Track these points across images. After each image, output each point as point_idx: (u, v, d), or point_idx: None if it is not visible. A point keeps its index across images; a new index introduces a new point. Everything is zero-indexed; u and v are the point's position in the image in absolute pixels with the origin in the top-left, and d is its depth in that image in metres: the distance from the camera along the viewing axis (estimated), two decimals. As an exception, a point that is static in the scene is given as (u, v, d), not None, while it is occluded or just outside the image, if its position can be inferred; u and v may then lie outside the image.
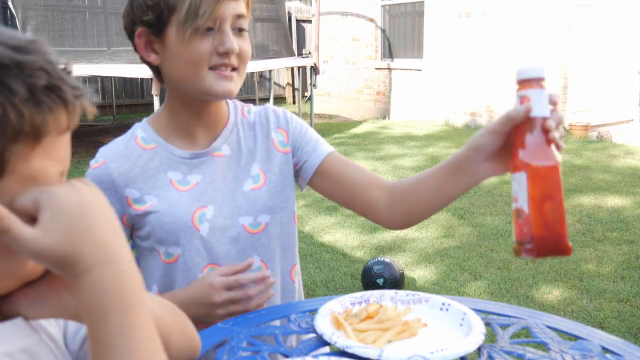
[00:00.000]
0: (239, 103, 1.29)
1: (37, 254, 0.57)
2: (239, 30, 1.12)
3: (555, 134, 0.90)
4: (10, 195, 0.58)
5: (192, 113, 1.18)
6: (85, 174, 1.16)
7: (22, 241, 0.57)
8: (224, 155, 1.22)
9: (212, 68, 1.10)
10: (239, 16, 1.11)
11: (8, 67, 0.57)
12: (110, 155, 1.17)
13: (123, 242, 0.61)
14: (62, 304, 0.66)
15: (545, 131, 0.91)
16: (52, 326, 0.73)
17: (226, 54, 1.09)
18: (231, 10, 1.09)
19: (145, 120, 1.23)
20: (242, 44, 1.12)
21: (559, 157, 0.90)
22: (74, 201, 0.59)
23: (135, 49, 1.15)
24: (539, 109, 0.91)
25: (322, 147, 1.27)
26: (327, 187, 1.25)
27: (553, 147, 0.90)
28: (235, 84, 1.12)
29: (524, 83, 0.93)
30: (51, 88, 0.59)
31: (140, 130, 1.20)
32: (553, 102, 0.94)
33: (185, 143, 1.19)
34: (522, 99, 0.93)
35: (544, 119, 0.91)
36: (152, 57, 1.13)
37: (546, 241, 0.88)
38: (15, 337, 0.64)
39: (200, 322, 1.08)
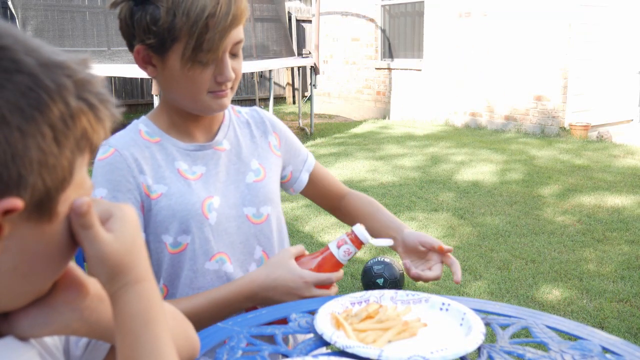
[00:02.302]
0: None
1: (105, 255, 0.61)
2: (234, 55, 1.15)
3: None
4: (69, 203, 0.61)
5: (189, 116, 1.21)
6: (96, 166, 1.15)
7: (98, 240, 0.61)
8: (225, 149, 1.25)
9: (210, 92, 1.14)
10: (238, 43, 1.13)
11: (89, 82, 0.59)
12: (120, 143, 1.16)
13: None
14: (64, 320, 0.66)
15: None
16: (52, 337, 0.72)
17: (224, 82, 1.13)
18: (233, 39, 1.11)
19: (144, 117, 1.24)
20: (236, 65, 1.16)
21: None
22: (136, 220, 0.66)
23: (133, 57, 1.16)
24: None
25: (310, 159, 1.43)
26: (311, 194, 1.46)
27: None
28: (228, 99, 1.18)
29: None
30: (105, 103, 0.61)
31: (142, 125, 1.22)
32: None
33: (185, 138, 1.22)
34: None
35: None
36: (149, 70, 1.14)
37: None
38: (13, 355, 0.64)
39: (271, 303, 1.14)
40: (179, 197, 1.16)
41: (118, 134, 1.19)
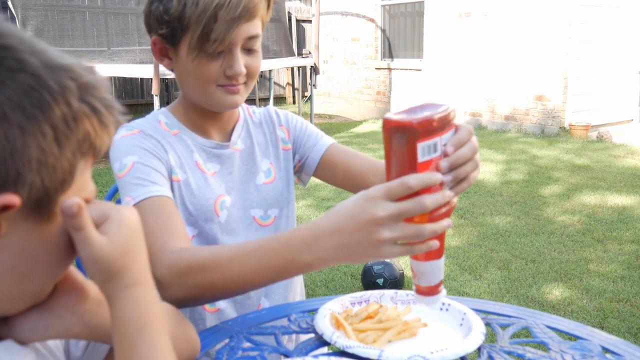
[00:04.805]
0: (244, 104, 1.34)
1: (97, 258, 0.60)
2: (249, 50, 1.13)
3: None
4: None
5: (205, 113, 1.21)
6: (118, 142, 1.12)
7: (90, 242, 0.60)
8: (239, 149, 1.26)
9: (220, 85, 1.12)
10: (251, 37, 1.11)
11: (93, 87, 0.59)
12: (144, 127, 1.16)
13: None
14: (64, 324, 0.66)
15: None
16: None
17: (233, 76, 1.11)
18: (244, 33, 1.09)
19: (164, 108, 1.25)
20: (251, 62, 1.13)
21: None
22: (135, 223, 0.65)
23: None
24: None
25: (323, 140, 1.32)
26: (330, 176, 1.30)
27: None
28: (241, 96, 1.16)
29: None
30: (110, 108, 0.61)
31: (162, 116, 1.22)
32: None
33: (202, 135, 1.23)
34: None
35: None
36: (166, 62, 1.16)
37: None
38: (12, 358, 0.64)
39: (352, 258, 0.83)
40: (195, 188, 1.16)
41: (139, 120, 1.19)
